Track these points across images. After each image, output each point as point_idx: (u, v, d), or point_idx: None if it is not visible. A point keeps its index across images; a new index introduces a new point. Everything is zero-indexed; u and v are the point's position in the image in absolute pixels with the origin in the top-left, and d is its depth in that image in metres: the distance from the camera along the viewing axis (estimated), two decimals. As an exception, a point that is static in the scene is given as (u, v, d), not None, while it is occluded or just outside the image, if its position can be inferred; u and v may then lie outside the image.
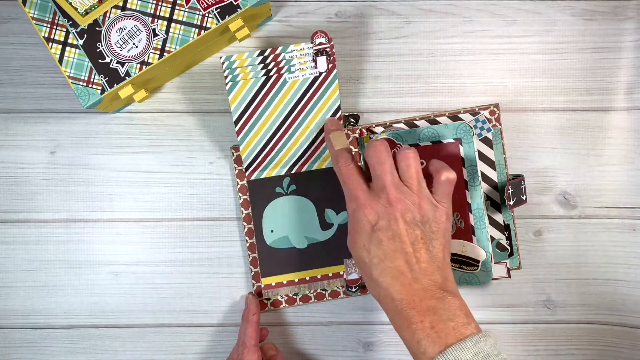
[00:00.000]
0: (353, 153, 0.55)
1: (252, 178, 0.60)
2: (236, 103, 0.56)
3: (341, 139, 0.55)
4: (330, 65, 0.56)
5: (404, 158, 0.52)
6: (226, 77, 0.56)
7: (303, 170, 0.60)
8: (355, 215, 0.52)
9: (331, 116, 0.58)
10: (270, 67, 0.56)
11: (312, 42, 0.55)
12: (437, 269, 0.50)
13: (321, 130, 0.58)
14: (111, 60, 0.54)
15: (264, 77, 0.56)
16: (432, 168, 0.54)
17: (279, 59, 0.56)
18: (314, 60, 0.56)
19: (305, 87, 0.57)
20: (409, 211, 0.50)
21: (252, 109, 0.57)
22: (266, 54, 0.56)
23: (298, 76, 0.56)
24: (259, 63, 0.56)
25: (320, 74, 0.56)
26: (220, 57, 0.56)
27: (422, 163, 0.59)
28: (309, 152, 0.59)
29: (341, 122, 0.58)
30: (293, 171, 0.60)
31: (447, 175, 0.52)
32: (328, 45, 0.55)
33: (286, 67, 0.56)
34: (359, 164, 0.59)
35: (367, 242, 0.51)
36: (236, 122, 0.57)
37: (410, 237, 0.50)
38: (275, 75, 0.56)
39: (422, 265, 0.49)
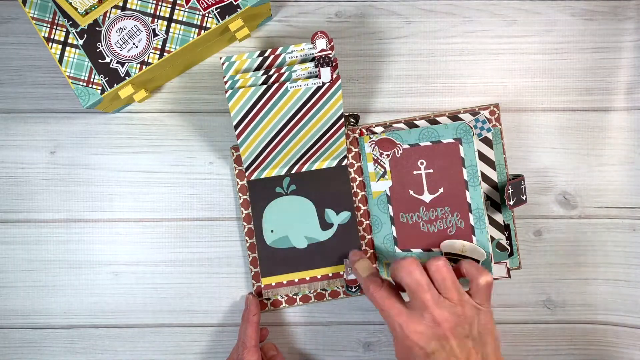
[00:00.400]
0: (378, 272, 0.55)
1: (252, 178, 0.60)
2: (236, 110, 0.55)
3: (367, 266, 0.55)
4: (334, 76, 0.55)
5: (437, 270, 0.51)
6: (226, 82, 0.54)
7: (303, 170, 0.60)
8: (404, 344, 0.50)
9: (334, 122, 0.57)
10: (271, 72, 0.54)
11: (312, 43, 0.54)
12: None
13: (322, 133, 0.58)
14: (111, 60, 0.54)
15: (265, 86, 0.54)
16: (467, 273, 0.53)
17: (279, 65, 0.55)
18: (317, 68, 0.54)
19: (307, 96, 0.55)
20: (457, 326, 0.50)
21: (252, 115, 0.56)
22: (266, 54, 0.55)
23: (300, 85, 0.55)
24: (260, 68, 0.55)
25: (324, 84, 0.55)
26: (220, 58, 0.55)
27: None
28: (310, 152, 0.59)
29: (343, 128, 0.57)
30: (293, 171, 0.60)
31: (487, 280, 0.51)
32: (331, 52, 0.54)
33: (287, 74, 0.55)
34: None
35: None
36: (236, 127, 0.56)
37: (464, 352, 0.49)
38: (276, 84, 0.55)
39: None
